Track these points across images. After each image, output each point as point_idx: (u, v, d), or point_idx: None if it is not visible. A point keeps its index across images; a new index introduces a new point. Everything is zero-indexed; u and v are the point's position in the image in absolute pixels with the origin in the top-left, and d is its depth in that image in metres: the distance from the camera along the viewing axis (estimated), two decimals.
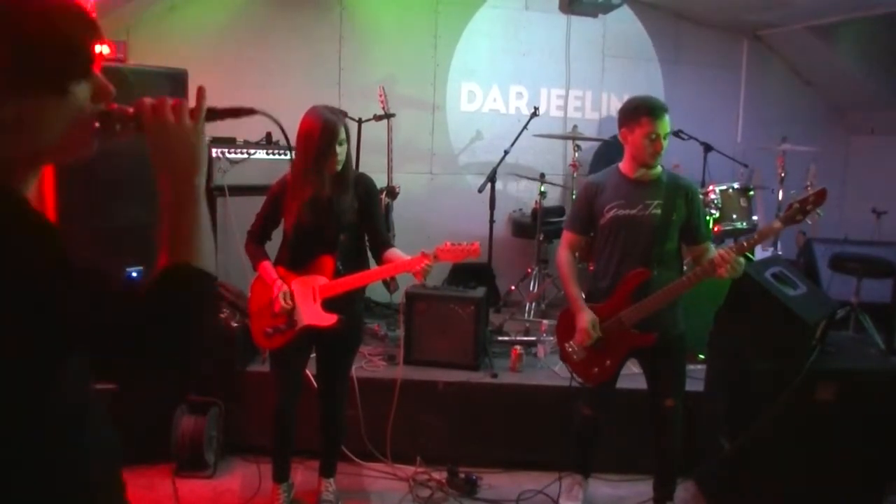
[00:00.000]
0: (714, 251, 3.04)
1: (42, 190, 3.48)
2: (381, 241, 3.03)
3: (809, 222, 2.80)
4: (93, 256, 3.41)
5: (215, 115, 1.16)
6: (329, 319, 2.90)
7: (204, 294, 1.07)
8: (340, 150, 2.83)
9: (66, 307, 0.97)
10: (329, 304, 2.92)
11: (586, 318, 2.94)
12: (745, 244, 2.77)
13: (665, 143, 2.87)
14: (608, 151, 4.85)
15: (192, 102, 1.14)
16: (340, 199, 2.89)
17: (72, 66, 1.05)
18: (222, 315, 3.74)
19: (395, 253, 2.97)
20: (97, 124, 1.12)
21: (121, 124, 1.13)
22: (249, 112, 1.19)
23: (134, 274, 3.39)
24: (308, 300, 2.92)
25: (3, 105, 1.02)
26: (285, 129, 1.30)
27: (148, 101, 1.11)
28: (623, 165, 3.01)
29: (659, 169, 2.97)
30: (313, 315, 2.91)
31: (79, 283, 1.00)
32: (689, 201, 2.96)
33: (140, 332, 1.00)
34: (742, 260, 2.77)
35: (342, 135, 2.83)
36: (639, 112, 2.86)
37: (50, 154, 1.12)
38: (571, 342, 3.02)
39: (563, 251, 3.10)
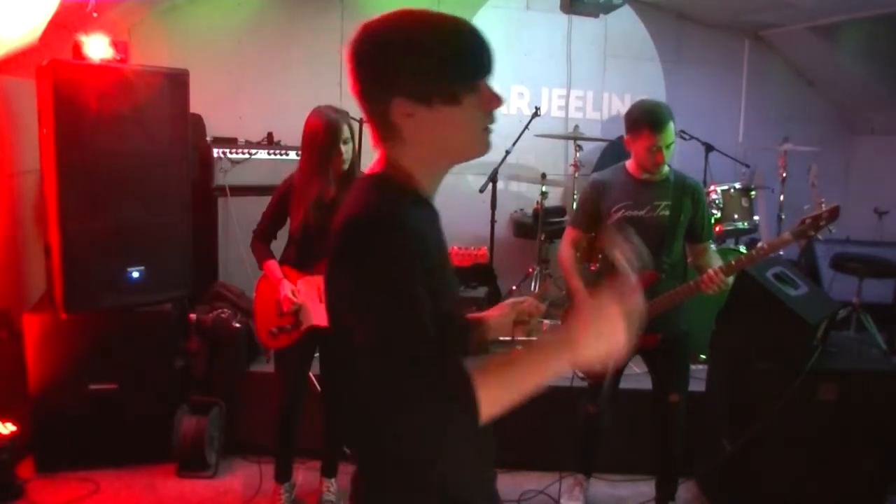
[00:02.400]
0: (713, 251, 3.05)
1: (44, 190, 3.49)
2: None
3: (820, 237, 2.81)
4: (93, 256, 3.41)
5: None
6: None
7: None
8: (345, 149, 2.83)
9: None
10: None
11: None
12: (737, 262, 2.82)
13: (668, 152, 2.85)
14: (615, 151, 4.84)
15: None
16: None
17: (461, 80, 1.18)
18: (224, 315, 3.75)
19: None
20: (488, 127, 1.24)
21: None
22: None
23: (135, 274, 3.39)
24: (314, 300, 2.92)
25: (408, 120, 1.18)
26: None
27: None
28: (630, 165, 3.00)
29: (666, 169, 2.97)
30: (319, 315, 2.91)
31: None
32: (695, 201, 2.96)
33: None
34: (730, 280, 2.81)
35: (346, 133, 2.83)
36: (640, 124, 2.84)
37: (451, 157, 1.27)
38: None
39: (566, 247, 3.09)
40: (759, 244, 2.82)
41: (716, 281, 2.76)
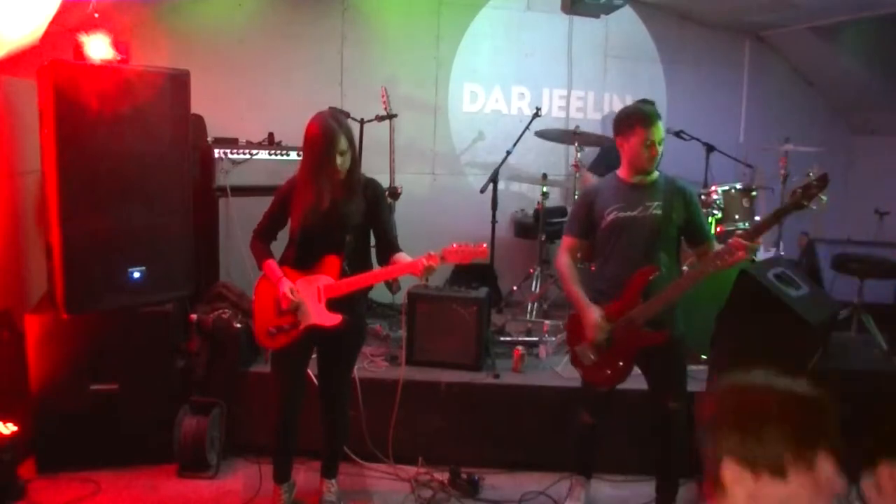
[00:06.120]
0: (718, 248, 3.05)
1: (45, 190, 3.49)
2: (389, 246, 3.02)
3: (815, 207, 2.79)
4: (95, 256, 3.41)
5: None
6: (334, 319, 2.90)
7: None
8: (341, 161, 2.80)
9: None
10: (333, 304, 2.92)
11: (594, 313, 2.93)
12: (752, 231, 2.81)
13: (660, 148, 2.92)
14: (608, 156, 4.84)
15: None
16: (347, 203, 2.88)
17: None
18: (224, 315, 3.75)
19: (402, 257, 2.96)
20: None
21: None
22: None
23: (136, 274, 3.39)
24: (312, 300, 2.92)
25: None
26: None
27: None
28: (621, 172, 3.04)
29: (656, 173, 3.01)
30: (318, 315, 2.91)
31: None
32: (687, 203, 2.98)
33: None
34: (755, 245, 2.78)
35: (342, 145, 2.80)
36: (632, 121, 2.92)
37: None
38: (582, 344, 3.00)
39: (563, 256, 3.09)
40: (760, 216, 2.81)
41: (742, 246, 2.71)
